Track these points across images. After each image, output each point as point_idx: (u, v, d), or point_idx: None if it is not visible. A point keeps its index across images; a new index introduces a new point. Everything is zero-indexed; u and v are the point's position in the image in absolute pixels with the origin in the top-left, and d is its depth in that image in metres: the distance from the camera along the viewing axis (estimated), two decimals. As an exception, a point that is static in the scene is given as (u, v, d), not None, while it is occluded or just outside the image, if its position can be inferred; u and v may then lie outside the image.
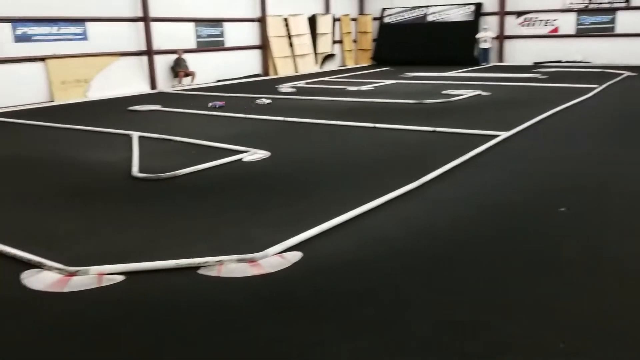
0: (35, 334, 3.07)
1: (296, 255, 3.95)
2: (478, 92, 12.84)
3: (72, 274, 3.71)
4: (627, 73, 16.30)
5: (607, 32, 19.78)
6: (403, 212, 4.91)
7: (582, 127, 8.79)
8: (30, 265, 3.88)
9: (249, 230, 4.53)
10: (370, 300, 3.31)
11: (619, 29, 19.59)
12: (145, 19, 15.76)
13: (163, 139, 8.35)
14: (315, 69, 21.47)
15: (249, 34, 19.38)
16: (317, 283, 3.57)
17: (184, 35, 17.18)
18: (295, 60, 20.74)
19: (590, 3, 19.94)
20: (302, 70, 20.73)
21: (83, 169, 6.83)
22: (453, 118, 9.46)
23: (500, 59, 21.66)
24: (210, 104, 12.01)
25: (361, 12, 24.38)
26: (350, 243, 4.22)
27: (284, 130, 9.09)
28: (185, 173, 6.31)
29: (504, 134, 7.88)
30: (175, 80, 16.84)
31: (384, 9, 23.75)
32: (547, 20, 20.80)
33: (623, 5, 19.42)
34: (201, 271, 3.74)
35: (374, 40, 24.03)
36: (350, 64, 23.74)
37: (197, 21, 17.57)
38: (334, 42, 22.76)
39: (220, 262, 3.81)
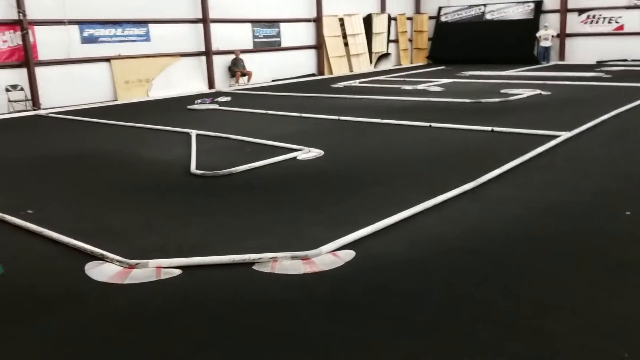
0: (96, 323, 3.19)
1: (349, 254, 3.95)
2: (538, 91, 12.48)
3: (132, 267, 3.84)
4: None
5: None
6: (459, 212, 4.83)
7: (649, 128, 8.41)
8: (93, 257, 4.04)
9: (303, 228, 4.57)
10: (424, 300, 3.27)
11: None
12: (205, 20, 16.12)
13: (220, 137, 8.52)
14: (370, 68, 21.39)
15: (304, 34, 19.52)
16: (370, 282, 3.56)
17: (242, 36, 17.48)
18: (350, 60, 20.73)
19: (659, -1, 19.06)
20: (357, 70, 20.70)
21: (144, 165, 7.06)
22: (512, 118, 9.23)
23: (562, 57, 20.97)
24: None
25: (417, 11, 24.13)
26: (404, 242, 4.19)
27: (338, 129, 9.10)
28: (241, 170, 6.42)
29: (565, 135, 7.63)
30: (232, 80, 17.15)
31: (440, 8, 23.42)
32: (611, 17, 19.97)
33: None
34: (255, 267, 3.79)
35: (430, 39, 23.73)
36: (406, 63, 23.53)
37: (255, 22, 17.84)
38: (390, 41, 22.62)
39: (274, 259, 3.85)
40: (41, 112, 12.55)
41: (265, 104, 12.19)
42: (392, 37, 22.87)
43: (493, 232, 4.38)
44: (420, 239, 4.25)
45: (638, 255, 3.84)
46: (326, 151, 7.21)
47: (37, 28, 12.99)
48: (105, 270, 3.83)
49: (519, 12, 21.67)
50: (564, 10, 20.69)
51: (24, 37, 12.70)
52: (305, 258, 3.86)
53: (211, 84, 16.52)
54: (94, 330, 3.11)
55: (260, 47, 18.10)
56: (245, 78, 17.25)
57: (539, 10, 21.22)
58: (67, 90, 13.40)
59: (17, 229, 4.75)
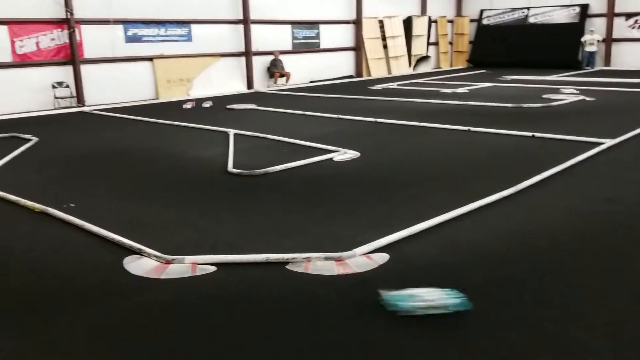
0: (132, 316, 3.26)
1: (384, 257, 3.93)
2: (582, 97, 12.18)
3: (168, 262, 3.91)
4: None
5: None
6: (497, 218, 4.75)
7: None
8: (131, 251, 4.13)
9: (337, 229, 4.57)
10: (458, 307, 3.23)
11: None
12: (246, 21, 16.29)
13: (257, 137, 8.60)
14: (409, 71, 21.24)
15: (343, 35, 19.52)
16: (404, 286, 3.53)
17: (281, 37, 17.59)
18: (389, 62, 20.63)
19: None
20: (396, 72, 20.59)
21: (183, 163, 7.18)
22: (554, 124, 9.03)
23: (607, 63, 20.42)
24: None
25: (458, 13, 23.86)
26: (439, 247, 4.14)
27: (375, 131, 9.07)
28: (277, 170, 6.46)
29: (608, 142, 7.43)
30: (270, 81, 17.28)
31: (482, 11, 23.10)
32: (661, 22, 19.38)
33: None
34: (289, 267, 3.81)
35: (471, 42, 23.44)
36: (445, 66, 23.30)
37: (294, 23, 17.93)
38: (429, 44, 22.42)
39: (308, 259, 3.86)
40: (85, 108, 12.89)
41: (302, 105, 12.24)
42: (432, 40, 22.66)
43: (531, 239, 4.29)
44: (455, 244, 4.20)
45: (683, 268, 3.71)
46: (362, 153, 7.20)
47: (83, 27, 13.36)
48: (143, 265, 3.91)
49: (564, 15, 21.20)
50: (610, 15, 20.14)
51: (71, 36, 13.07)
52: (338, 259, 3.86)
53: (250, 85, 16.68)
54: (132, 322, 3.17)
55: (299, 48, 18.19)
56: (284, 79, 17.35)
57: (584, 14, 20.72)
58: (110, 87, 13.73)
59: (60, 221, 4.89)
